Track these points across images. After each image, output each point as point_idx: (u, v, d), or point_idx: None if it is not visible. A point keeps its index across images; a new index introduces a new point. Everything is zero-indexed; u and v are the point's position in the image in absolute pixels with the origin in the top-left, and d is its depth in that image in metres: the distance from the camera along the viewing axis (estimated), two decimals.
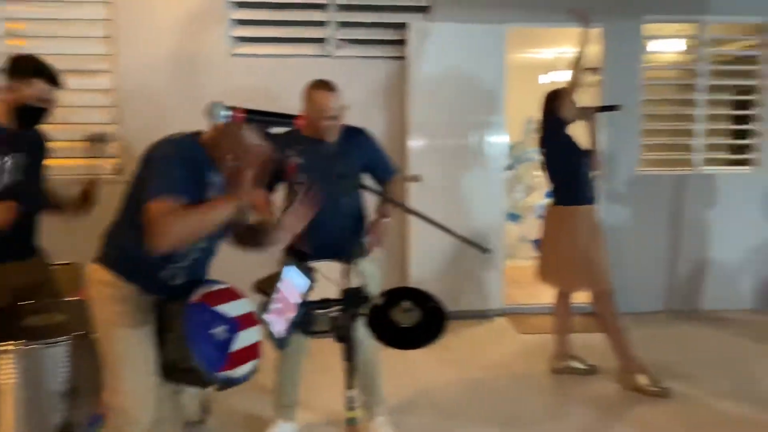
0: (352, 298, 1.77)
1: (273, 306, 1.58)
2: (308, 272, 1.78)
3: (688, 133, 5.07)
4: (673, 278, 5.08)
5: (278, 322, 1.59)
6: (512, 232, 6.15)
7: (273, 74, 4.54)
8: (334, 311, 1.75)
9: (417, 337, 1.82)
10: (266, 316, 1.57)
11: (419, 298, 1.86)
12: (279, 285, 1.60)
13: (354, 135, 2.88)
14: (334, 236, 2.71)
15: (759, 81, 5.02)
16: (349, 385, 1.81)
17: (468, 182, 4.81)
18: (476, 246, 2.25)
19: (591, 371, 3.76)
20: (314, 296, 1.79)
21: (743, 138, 5.22)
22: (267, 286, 1.62)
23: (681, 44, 5.33)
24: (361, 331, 1.86)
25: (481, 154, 4.81)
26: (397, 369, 3.06)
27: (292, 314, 1.65)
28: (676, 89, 5.44)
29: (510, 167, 6.23)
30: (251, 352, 1.89)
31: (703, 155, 5.07)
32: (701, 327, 4.72)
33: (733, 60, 5.29)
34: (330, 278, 1.87)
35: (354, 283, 1.85)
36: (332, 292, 1.81)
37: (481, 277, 4.81)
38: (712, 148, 5.18)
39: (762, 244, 5.07)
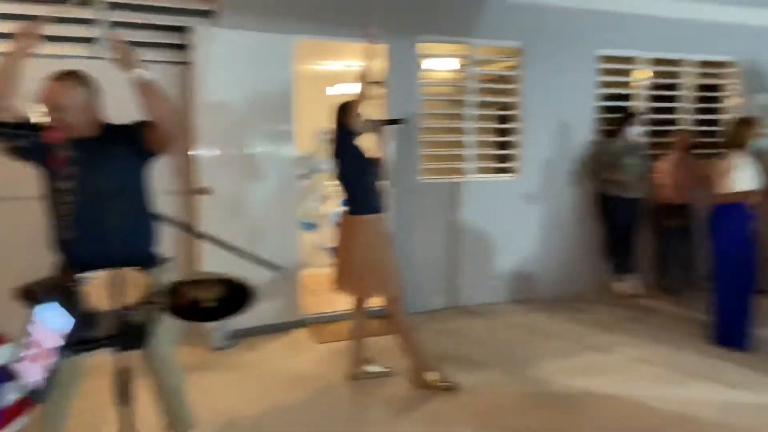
0: (130, 330, 1.58)
1: (24, 353, 1.33)
2: (71, 305, 1.54)
3: (461, 144, 5.58)
4: (453, 277, 5.54)
5: (32, 372, 1.34)
6: (308, 241, 6.18)
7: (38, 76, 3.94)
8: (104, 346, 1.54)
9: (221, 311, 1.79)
10: (17, 366, 1.31)
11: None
12: (30, 328, 1.35)
13: (116, 131, 2.56)
14: (106, 241, 2.25)
15: (517, 98, 5.70)
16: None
17: (260, 193, 4.71)
18: (268, 265, 2.19)
19: (387, 373, 3.91)
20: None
21: (506, 149, 5.88)
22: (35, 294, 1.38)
23: (455, 63, 5.85)
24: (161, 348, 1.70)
25: (273, 164, 4.75)
26: (194, 391, 2.85)
27: (50, 360, 1.40)
28: (449, 104, 5.95)
29: (304, 176, 6.26)
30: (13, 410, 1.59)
31: (473, 164, 5.61)
32: (476, 320, 5.21)
33: (497, 79, 5.94)
34: (101, 295, 1.65)
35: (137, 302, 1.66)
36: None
37: (277, 289, 4.74)
38: (481, 158, 5.75)
39: (518, 241, 5.77)
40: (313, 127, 6.13)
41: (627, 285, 5.79)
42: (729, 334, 4.36)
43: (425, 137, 5.40)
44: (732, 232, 4.31)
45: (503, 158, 5.91)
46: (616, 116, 5.92)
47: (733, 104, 6.51)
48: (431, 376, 3.72)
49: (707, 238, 4.52)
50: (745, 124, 4.39)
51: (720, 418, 3.33)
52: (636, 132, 5.78)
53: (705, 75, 6.49)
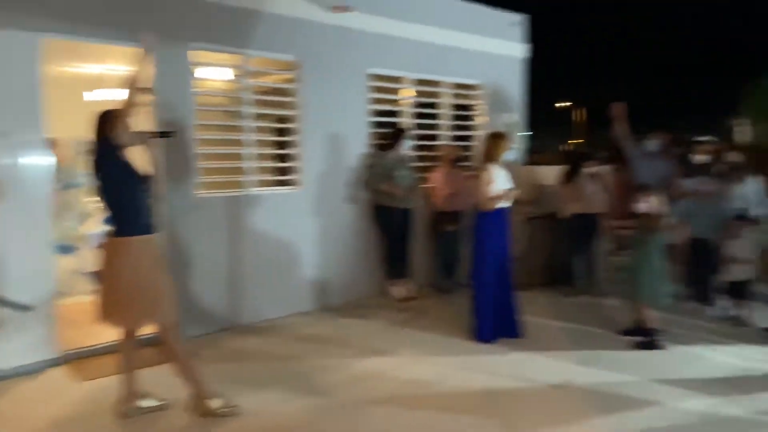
0: None
1: None
2: None
3: (240, 156, 5.44)
4: (238, 295, 5.37)
5: None
6: (65, 266, 5.46)
7: None
8: None
9: None
10: None
11: None
12: None
13: None
14: None
15: (295, 111, 5.74)
16: None
17: (2, 211, 4.03)
18: (12, 306, 1.85)
19: (162, 407, 3.61)
20: None
21: (286, 161, 5.88)
22: None
23: (229, 73, 5.68)
24: None
25: (19, 177, 4.11)
26: None
27: None
28: (226, 115, 5.76)
29: (62, 190, 5.53)
30: None
31: (253, 177, 5.51)
32: (262, 337, 5.11)
33: (273, 91, 5.91)
34: None
35: None
36: None
37: (27, 324, 4.08)
38: (261, 170, 5.67)
39: (301, 253, 5.81)
40: (70, 135, 5.46)
41: (402, 289, 6.19)
42: (481, 328, 4.89)
43: (202, 149, 5.15)
44: (486, 235, 4.85)
45: (284, 170, 5.91)
46: (388, 131, 6.31)
47: (482, 122, 7.38)
48: (214, 403, 3.53)
49: (472, 241, 5.02)
50: (496, 139, 4.98)
51: (490, 407, 3.72)
52: (406, 146, 6.23)
53: (459, 96, 7.25)
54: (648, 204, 4.74)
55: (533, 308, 5.78)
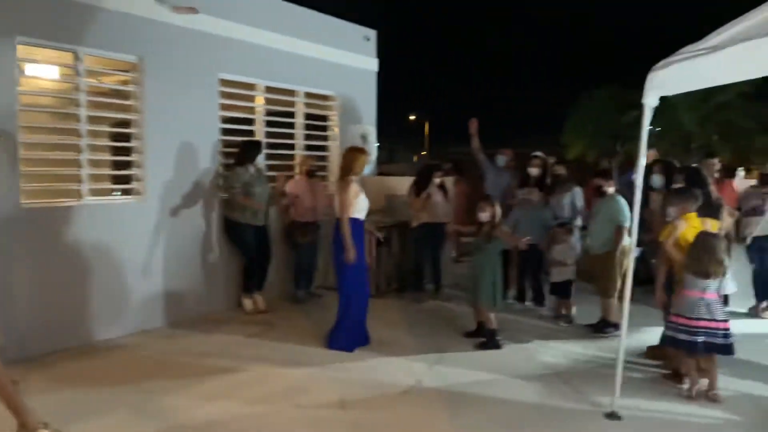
0: None
1: None
2: None
3: (76, 163, 4.98)
4: (75, 313, 4.90)
5: None
6: None
7: None
8: None
9: None
10: None
11: None
12: None
13: None
14: None
15: (136, 115, 5.38)
16: None
17: None
18: None
19: None
20: None
21: (129, 169, 5.47)
22: None
23: (61, 71, 5.19)
24: None
25: None
26: None
27: None
28: (57, 117, 5.26)
29: None
30: None
31: (89, 185, 5.07)
32: (103, 357, 4.71)
33: (112, 93, 5.50)
34: None
35: None
36: None
37: None
38: (99, 178, 5.24)
39: (146, 267, 5.45)
40: None
41: (254, 301, 6.05)
42: (342, 338, 4.94)
43: (27, 154, 4.64)
44: (358, 246, 4.89)
45: (126, 179, 5.50)
46: (246, 141, 6.14)
47: (335, 133, 7.48)
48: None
49: (335, 252, 5.03)
50: (358, 152, 5.07)
51: (343, 417, 3.75)
52: (262, 159, 6.10)
53: (312, 106, 7.29)
54: (488, 213, 5.10)
55: (386, 315, 5.96)
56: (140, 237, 5.38)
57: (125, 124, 5.45)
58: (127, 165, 5.45)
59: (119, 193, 5.64)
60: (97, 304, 5.05)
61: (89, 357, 4.70)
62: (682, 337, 3.99)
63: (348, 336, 4.95)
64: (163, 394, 3.97)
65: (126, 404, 3.82)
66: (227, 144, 6.20)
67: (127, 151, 5.45)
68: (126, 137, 5.43)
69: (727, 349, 3.96)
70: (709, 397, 4.01)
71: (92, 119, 5.09)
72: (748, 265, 6.25)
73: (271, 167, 6.58)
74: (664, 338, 4.28)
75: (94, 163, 5.18)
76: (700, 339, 3.93)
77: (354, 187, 4.89)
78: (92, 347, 4.91)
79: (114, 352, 4.83)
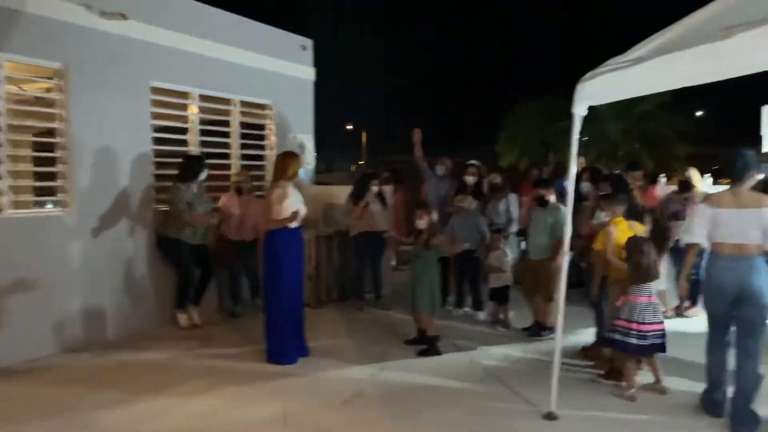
0: None
1: None
2: None
3: None
4: None
5: None
6: None
7: None
8: None
9: None
10: None
11: None
12: None
13: None
14: None
15: (61, 124, 5.12)
16: None
17: None
18: None
19: None
20: None
21: (54, 180, 5.19)
22: None
23: None
24: None
25: None
26: None
27: None
28: None
29: None
30: None
31: (10, 197, 4.79)
32: (19, 382, 4.42)
33: (35, 101, 5.22)
34: None
35: None
36: None
37: None
38: (21, 190, 4.96)
39: (71, 283, 5.18)
40: None
41: (190, 316, 5.87)
42: (280, 350, 4.85)
43: None
44: (283, 254, 4.82)
45: (49, 191, 5.22)
46: (188, 156, 5.97)
47: (272, 142, 7.39)
48: None
49: (265, 263, 4.93)
50: (288, 158, 5.01)
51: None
52: (205, 175, 5.90)
53: (248, 114, 7.17)
54: (425, 220, 5.16)
55: (326, 324, 5.91)
56: (66, 251, 5.12)
57: (50, 133, 5.18)
58: (52, 176, 5.18)
59: (52, 205, 5.34)
60: (13, 322, 4.75)
61: (7, 380, 4.42)
62: (633, 341, 4.10)
63: (286, 347, 4.86)
64: (88, 421, 3.74)
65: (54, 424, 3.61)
66: (159, 154, 6.00)
67: (52, 161, 5.19)
68: (51, 147, 5.17)
69: (663, 348, 4.18)
70: (658, 389, 4.24)
71: (13, 128, 4.82)
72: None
73: (208, 178, 6.40)
74: (607, 341, 4.37)
75: (16, 175, 4.90)
76: (649, 342, 4.11)
77: (281, 191, 4.81)
78: (10, 369, 4.62)
79: (33, 374, 4.56)
